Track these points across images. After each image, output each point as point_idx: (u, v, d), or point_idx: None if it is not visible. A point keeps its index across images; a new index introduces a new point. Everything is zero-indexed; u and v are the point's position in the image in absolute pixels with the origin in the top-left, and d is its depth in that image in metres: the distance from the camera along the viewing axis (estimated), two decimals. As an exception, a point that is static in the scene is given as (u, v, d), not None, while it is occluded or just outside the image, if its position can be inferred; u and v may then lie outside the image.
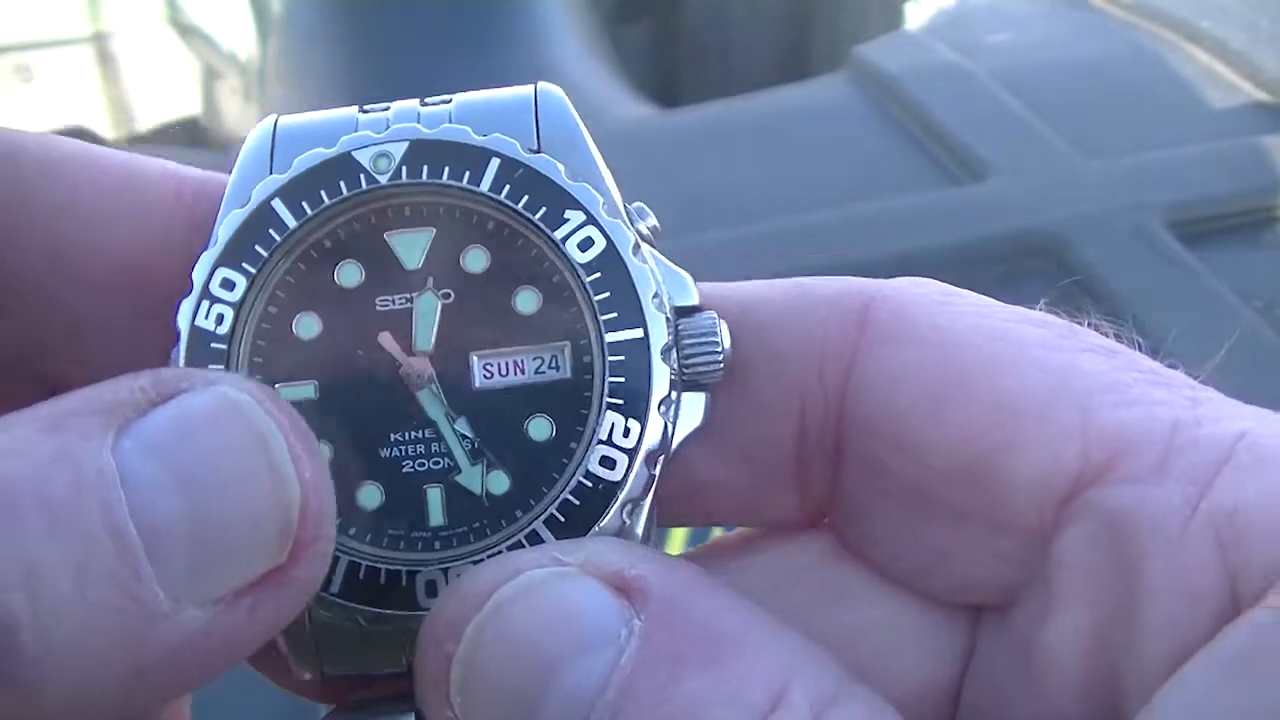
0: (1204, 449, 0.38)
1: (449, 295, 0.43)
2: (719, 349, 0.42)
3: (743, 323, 0.44)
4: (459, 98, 0.45)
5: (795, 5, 2.26)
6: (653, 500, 0.43)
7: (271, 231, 0.42)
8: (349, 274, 0.43)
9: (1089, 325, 0.44)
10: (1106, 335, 0.43)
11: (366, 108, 0.45)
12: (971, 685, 0.43)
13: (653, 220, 0.45)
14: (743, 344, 0.44)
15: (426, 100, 0.45)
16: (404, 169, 0.42)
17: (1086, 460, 0.39)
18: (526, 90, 0.45)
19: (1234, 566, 0.36)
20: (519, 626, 0.37)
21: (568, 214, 0.42)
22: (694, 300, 0.44)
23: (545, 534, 0.41)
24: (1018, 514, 0.40)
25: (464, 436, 0.42)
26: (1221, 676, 0.34)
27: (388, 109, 0.45)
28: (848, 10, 2.28)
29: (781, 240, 1.28)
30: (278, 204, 0.43)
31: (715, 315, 0.43)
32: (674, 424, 0.43)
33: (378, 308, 0.43)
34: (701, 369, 0.42)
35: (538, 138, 0.44)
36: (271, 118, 0.45)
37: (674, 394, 0.42)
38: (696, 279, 0.45)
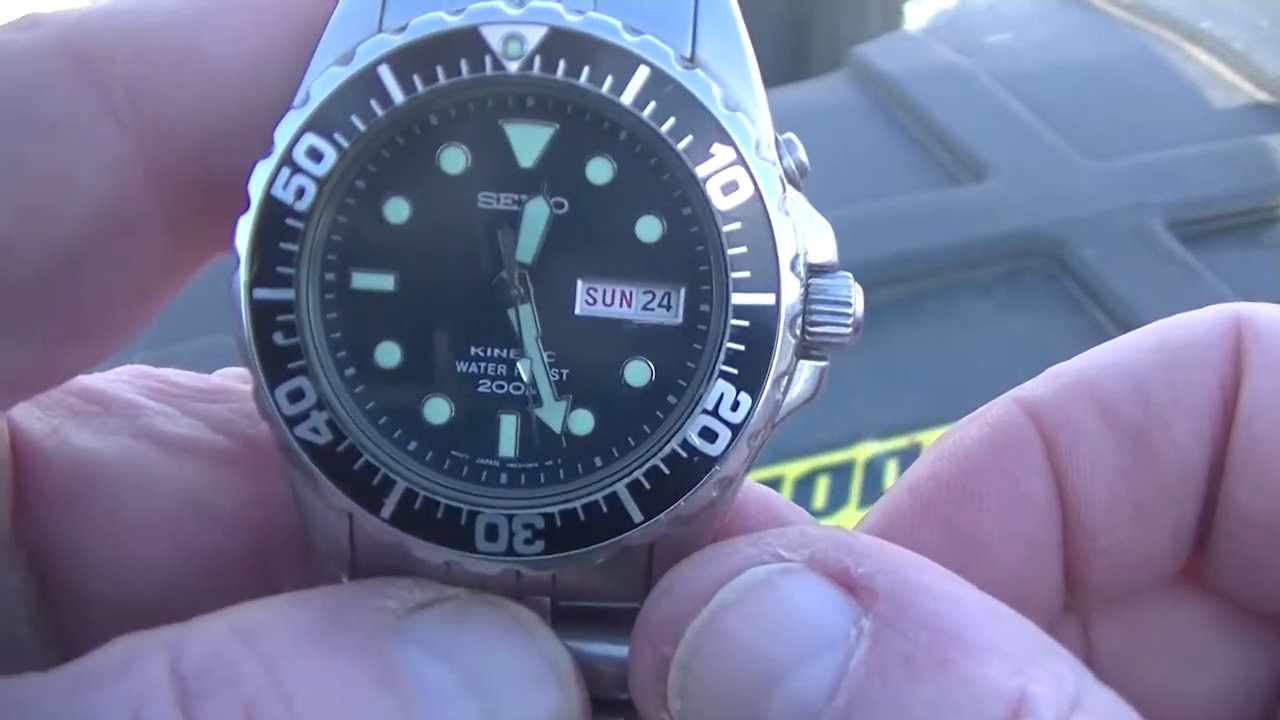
0: None
1: (562, 205, 0.38)
2: (850, 318, 0.38)
3: (1118, 390, 0.42)
4: None
5: (795, 6, 2.26)
6: (743, 474, 0.39)
7: (373, 103, 0.37)
8: (453, 159, 0.38)
9: None
10: None
11: None
12: None
13: (802, 155, 0.39)
14: (1126, 410, 0.42)
15: None
16: (537, 59, 0.37)
17: None
18: None
19: None
20: (742, 630, 0.35)
21: (715, 149, 0.37)
22: (832, 256, 0.39)
23: (626, 499, 0.37)
24: None
25: (553, 365, 0.38)
26: None
27: None
28: (848, 11, 2.27)
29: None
30: (385, 72, 0.37)
31: (850, 278, 0.39)
32: (784, 397, 0.39)
33: (480, 203, 0.38)
34: (829, 336, 0.38)
35: (693, 44, 0.38)
36: None
37: (794, 366, 0.38)
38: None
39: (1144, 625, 0.45)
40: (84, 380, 0.44)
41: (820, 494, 1.16)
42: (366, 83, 0.37)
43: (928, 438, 1.18)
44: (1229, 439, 0.41)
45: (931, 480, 0.44)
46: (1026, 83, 1.50)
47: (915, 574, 0.35)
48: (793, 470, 1.15)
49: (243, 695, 0.33)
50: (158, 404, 0.45)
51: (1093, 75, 1.55)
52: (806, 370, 0.39)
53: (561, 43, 0.37)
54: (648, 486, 0.37)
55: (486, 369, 0.38)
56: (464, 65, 0.37)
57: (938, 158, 1.42)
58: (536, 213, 0.38)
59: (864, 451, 1.17)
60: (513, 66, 0.37)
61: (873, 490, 1.16)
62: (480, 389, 0.39)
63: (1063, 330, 1.22)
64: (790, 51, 2.25)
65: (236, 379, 0.47)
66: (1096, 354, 0.44)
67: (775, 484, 1.15)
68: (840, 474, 1.17)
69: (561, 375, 0.38)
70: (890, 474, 1.17)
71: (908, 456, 1.17)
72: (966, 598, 0.35)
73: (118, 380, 0.45)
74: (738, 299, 0.37)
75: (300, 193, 0.37)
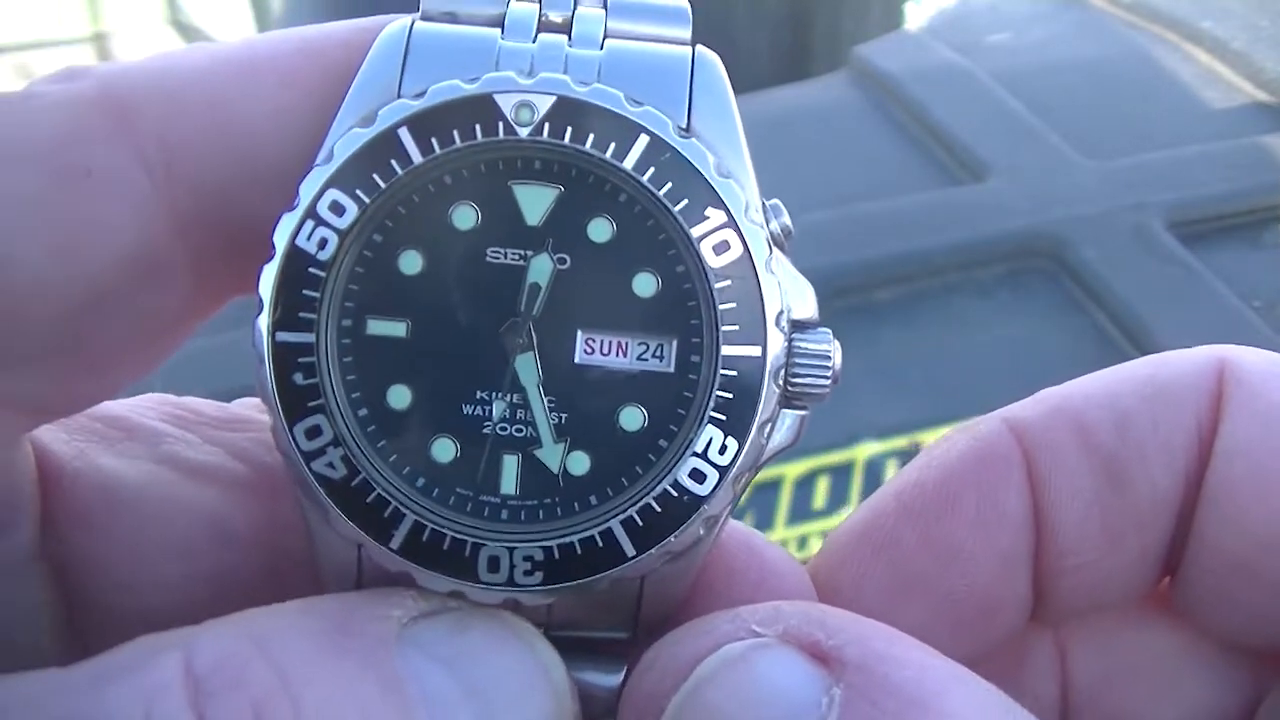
0: None
1: (565, 261, 0.41)
2: (829, 371, 0.41)
3: (1101, 419, 0.44)
4: (611, 45, 0.42)
5: (795, 5, 2.26)
6: (728, 515, 0.42)
7: (394, 162, 0.40)
8: (464, 216, 0.41)
9: None
10: None
11: (506, 30, 0.42)
12: None
13: (787, 219, 0.43)
14: (1106, 440, 0.44)
15: (574, 40, 0.42)
16: (546, 125, 0.40)
17: None
18: (682, 53, 0.42)
19: None
20: (721, 703, 0.37)
21: (709, 212, 0.40)
22: (812, 313, 0.42)
23: (620, 534, 0.40)
24: None
25: (553, 409, 0.41)
26: None
27: (532, 41, 0.42)
28: (848, 10, 2.28)
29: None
30: (405, 134, 0.40)
31: (829, 334, 0.42)
32: (768, 443, 0.42)
33: (488, 258, 0.41)
34: (809, 388, 0.41)
35: (689, 115, 0.42)
36: (405, 19, 0.42)
37: (777, 414, 0.41)
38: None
39: (1119, 653, 0.47)
40: (109, 406, 0.47)
41: (820, 494, 1.16)
42: (387, 143, 0.40)
43: (927, 438, 1.18)
44: (1203, 478, 0.43)
45: (917, 487, 0.46)
46: (1026, 83, 1.50)
47: (883, 645, 0.38)
48: (793, 470, 1.15)
49: (253, 696, 0.34)
50: (178, 430, 0.47)
51: (1093, 75, 1.55)
52: (788, 419, 0.42)
53: (569, 111, 0.40)
54: (641, 523, 0.40)
55: (490, 411, 0.41)
56: (478, 129, 0.40)
57: (938, 158, 1.42)
58: (541, 267, 0.41)
59: (864, 452, 1.17)
60: (524, 132, 0.40)
61: (873, 490, 1.16)
62: (484, 430, 0.41)
63: (1063, 330, 1.22)
64: (790, 51, 2.25)
65: (254, 408, 0.49)
66: (1086, 382, 0.46)
67: (776, 484, 1.15)
68: (840, 474, 1.17)
69: (561, 419, 0.41)
70: (890, 474, 1.17)
71: (907, 457, 1.17)
72: (932, 665, 0.37)
73: (141, 407, 0.47)
74: (727, 350, 0.40)
75: (323, 243, 0.40)
